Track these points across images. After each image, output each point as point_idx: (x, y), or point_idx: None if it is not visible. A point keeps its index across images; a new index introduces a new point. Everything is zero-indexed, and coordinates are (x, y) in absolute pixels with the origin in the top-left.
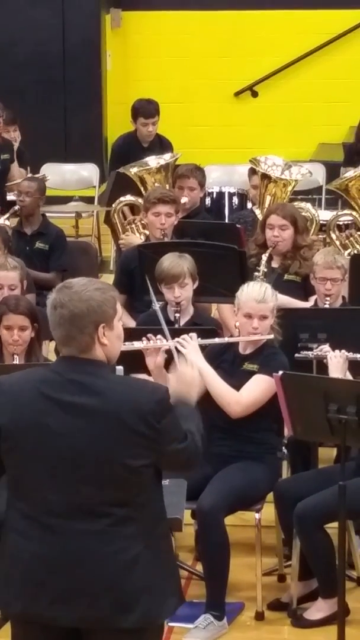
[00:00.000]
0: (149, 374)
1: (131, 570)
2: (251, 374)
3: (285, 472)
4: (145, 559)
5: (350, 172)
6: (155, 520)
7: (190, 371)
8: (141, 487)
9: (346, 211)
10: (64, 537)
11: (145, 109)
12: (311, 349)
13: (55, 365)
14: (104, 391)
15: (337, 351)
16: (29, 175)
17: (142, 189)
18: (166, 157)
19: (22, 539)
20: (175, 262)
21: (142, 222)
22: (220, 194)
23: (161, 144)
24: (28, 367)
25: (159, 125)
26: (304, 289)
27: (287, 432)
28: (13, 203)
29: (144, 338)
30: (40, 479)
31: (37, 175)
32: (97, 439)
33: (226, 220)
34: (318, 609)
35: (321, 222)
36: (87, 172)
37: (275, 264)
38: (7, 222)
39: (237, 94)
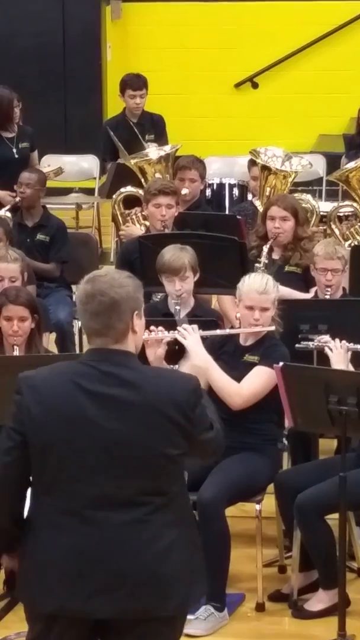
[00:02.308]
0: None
1: (167, 558)
2: (252, 365)
3: (286, 464)
4: (179, 546)
5: (351, 163)
6: (186, 508)
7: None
8: (175, 476)
9: (347, 202)
10: (101, 528)
11: (133, 81)
12: (312, 340)
13: (86, 358)
14: (139, 382)
15: (337, 342)
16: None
17: (142, 179)
18: (166, 149)
19: (56, 533)
20: (176, 255)
21: (143, 213)
22: (221, 186)
23: (152, 120)
24: (28, 359)
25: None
26: (304, 280)
27: (287, 423)
28: None
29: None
30: (78, 473)
31: (50, 168)
32: (135, 430)
33: (226, 212)
34: (319, 600)
35: (321, 213)
36: (87, 163)
37: (276, 256)
38: (8, 214)
39: (238, 85)
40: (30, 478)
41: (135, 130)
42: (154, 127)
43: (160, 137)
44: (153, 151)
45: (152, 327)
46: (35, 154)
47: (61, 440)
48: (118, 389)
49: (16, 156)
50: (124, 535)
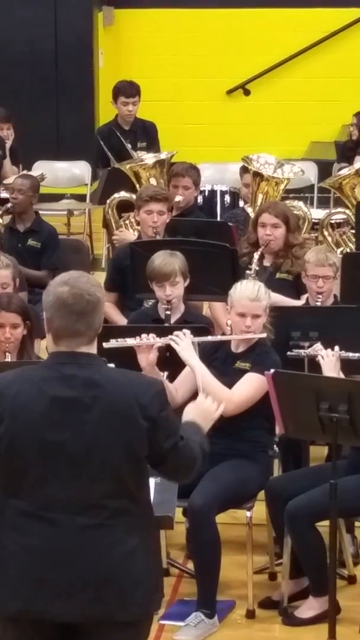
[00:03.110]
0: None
1: (130, 562)
2: (243, 372)
3: (277, 470)
4: (142, 551)
5: (344, 170)
6: (148, 514)
7: (211, 409)
8: (138, 480)
9: (339, 209)
10: (64, 532)
11: (126, 89)
12: (303, 347)
13: (52, 361)
14: (104, 384)
15: (329, 350)
16: (22, 172)
17: (137, 184)
18: (162, 155)
19: (20, 536)
20: (166, 261)
21: (136, 218)
22: (213, 192)
23: (144, 127)
24: (20, 365)
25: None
26: (295, 287)
27: (278, 430)
28: (6, 200)
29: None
30: (42, 476)
31: (34, 174)
32: (98, 432)
33: (218, 219)
34: (309, 607)
35: (313, 220)
36: (79, 169)
37: (267, 263)
38: (0, 220)
39: (230, 92)
40: None
41: (122, 139)
42: (146, 134)
43: (152, 145)
44: (150, 158)
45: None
46: (8, 161)
47: (25, 444)
48: (82, 392)
49: None
50: (87, 538)
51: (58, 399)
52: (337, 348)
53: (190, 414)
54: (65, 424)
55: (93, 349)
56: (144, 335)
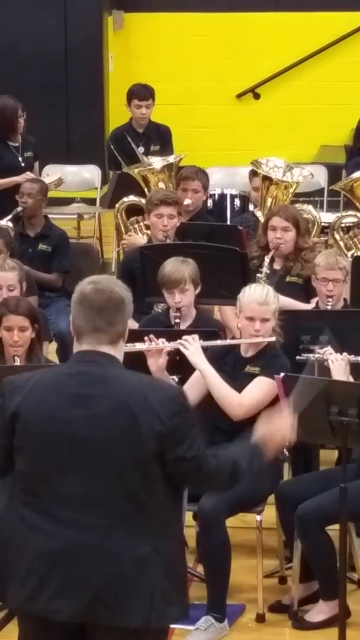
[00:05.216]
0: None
1: (135, 570)
2: (253, 376)
3: (287, 474)
4: (153, 561)
5: (356, 173)
6: (167, 525)
7: (283, 428)
8: (146, 485)
9: (350, 212)
10: (71, 530)
11: (139, 91)
12: (312, 351)
13: (70, 360)
14: (120, 384)
15: (338, 354)
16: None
17: (145, 189)
18: (170, 158)
19: (29, 531)
20: (176, 268)
21: (145, 222)
22: (222, 196)
23: (158, 130)
24: (29, 368)
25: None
26: (305, 290)
27: None
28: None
29: (145, 339)
30: (51, 472)
31: (52, 178)
32: (107, 429)
33: (228, 222)
34: (319, 611)
35: (323, 224)
36: (89, 173)
37: (277, 266)
38: (10, 224)
39: (239, 96)
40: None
41: (132, 144)
42: (160, 137)
43: (166, 148)
44: (157, 161)
45: (151, 336)
46: (37, 163)
47: (41, 441)
48: (93, 389)
49: (22, 165)
50: (92, 538)
51: (70, 395)
52: (345, 353)
53: (259, 430)
54: (75, 421)
55: (115, 352)
56: (152, 338)
